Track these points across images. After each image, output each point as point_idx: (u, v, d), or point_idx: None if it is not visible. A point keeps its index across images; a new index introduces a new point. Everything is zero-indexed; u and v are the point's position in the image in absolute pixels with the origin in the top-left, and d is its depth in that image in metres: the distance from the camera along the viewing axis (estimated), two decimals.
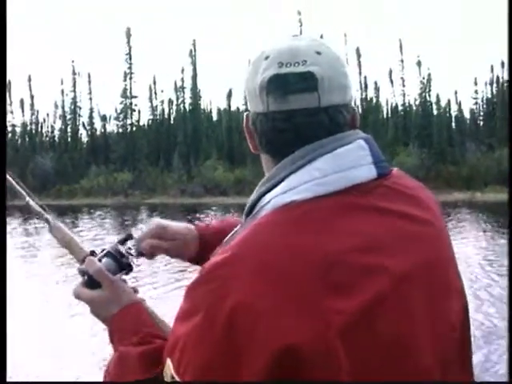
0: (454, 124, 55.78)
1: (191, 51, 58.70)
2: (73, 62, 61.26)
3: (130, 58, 58.57)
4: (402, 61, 55.22)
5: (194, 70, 58.63)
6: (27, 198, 1.44)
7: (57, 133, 62.19)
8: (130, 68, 58.41)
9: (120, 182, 51.56)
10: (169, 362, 0.97)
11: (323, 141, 1.05)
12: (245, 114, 1.15)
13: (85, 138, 61.80)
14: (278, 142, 1.07)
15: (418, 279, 1.01)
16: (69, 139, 60.64)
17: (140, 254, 1.37)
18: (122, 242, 1.36)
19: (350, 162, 1.03)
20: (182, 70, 58.90)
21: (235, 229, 1.14)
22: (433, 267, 1.05)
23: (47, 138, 62.68)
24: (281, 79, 1.04)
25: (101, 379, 1.21)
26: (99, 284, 1.26)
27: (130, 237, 1.37)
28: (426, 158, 47.00)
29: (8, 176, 1.47)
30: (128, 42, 58.29)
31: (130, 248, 1.36)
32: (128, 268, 1.32)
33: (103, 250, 1.33)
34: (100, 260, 1.30)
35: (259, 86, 1.06)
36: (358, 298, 0.92)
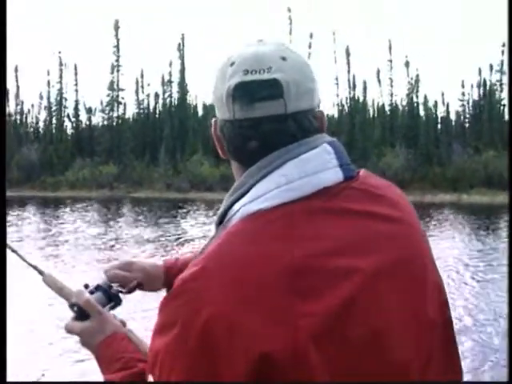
0: (440, 126, 55.90)
1: (179, 45, 58.30)
2: (59, 53, 60.67)
3: (118, 51, 58.14)
4: (391, 61, 55.22)
5: (182, 63, 58.23)
6: (20, 253, 1.50)
7: (41, 124, 61.79)
8: (117, 61, 57.94)
9: (105, 174, 51.31)
10: (150, 378, 1.00)
11: (289, 147, 1.05)
12: (213, 120, 1.15)
13: (70, 130, 61.41)
14: (245, 150, 1.08)
15: (391, 277, 1.01)
16: (54, 131, 60.12)
17: (120, 288, 1.47)
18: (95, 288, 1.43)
19: (315, 166, 1.04)
20: (170, 64, 58.57)
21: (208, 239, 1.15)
22: (407, 264, 1.05)
23: (32, 129, 62.09)
24: (246, 87, 1.04)
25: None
26: (88, 315, 1.32)
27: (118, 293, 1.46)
28: (412, 159, 47.12)
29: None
30: (116, 35, 57.85)
31: (119, 289, 1.46)
32: (116, 300, 1.41)
33: (97, 285, 1.42)
34: (92, 293, 1.38)
35: (225, 94, 1.06)
36: (327, 301, 0.94)
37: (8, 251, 1.57)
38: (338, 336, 0.94)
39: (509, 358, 5.74)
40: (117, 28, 57.75)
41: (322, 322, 0.93)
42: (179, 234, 22.34)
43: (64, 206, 36.98)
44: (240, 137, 1.08)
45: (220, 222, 1.10)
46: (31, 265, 1.47)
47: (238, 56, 1.09)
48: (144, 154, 54.39)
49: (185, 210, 33.33)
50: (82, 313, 1.33)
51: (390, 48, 55.22)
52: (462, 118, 56.53)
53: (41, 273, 1.48)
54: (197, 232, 22.42)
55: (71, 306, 1.36)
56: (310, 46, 54.16)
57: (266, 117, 1.04)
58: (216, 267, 0.96)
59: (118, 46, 58.00)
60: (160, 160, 52.51)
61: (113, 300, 1.41)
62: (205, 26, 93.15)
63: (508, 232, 16.78)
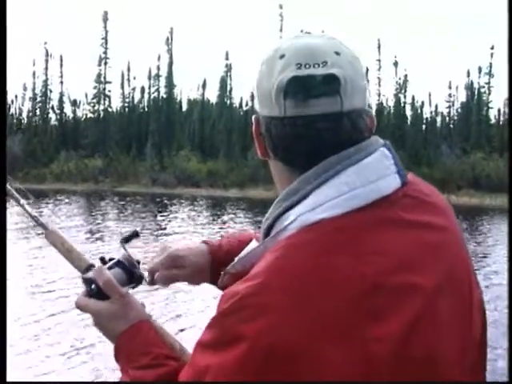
0: (427, 126, 56.02)
1: (168, 39, 57.81)
2: (45, 43, 59.93)
3: (106, 43, 57.56)
4: (379, 60, 55.18)
5: (171, 57, 57.75)
6: (22, 201, 1.35)
7: (25, 115, 60.98)
8: (105, 53, 57.38)
9: (91, 168, 50.91)
10: None
11: (349, 151, 1.00)
12: (253, 117, 1.09)
13: (54, 122, 60.65)
14: (297, 150, 1.02)
15: (445, 293, 0.99)
16: (38, 122, 59.37)
17: (152, 284, 1.32)
18: (127, 240, 1.28)
19: (376, 172, 1.00)
20: (159, 58, 58.01)
21: (251, 245, 1.12)
22: (457, 278, 1.03)
23: (15, 121, 61.28)
24: (301, 82, 0.98)
25: None
26: (107, 295, 1.19)
27: (135, 234, 1.30)
28: (400, 159, 46.81)
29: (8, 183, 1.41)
30: (105, 27, 57.29)
31: (138, 262, 1.27)
32: (138, 281, 1.26)
33: (112, 259, 1.25)
34: (110, 269, 1.22)
35: (276, 89, 1.00)
36: (395, 322, 0.91)
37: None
38: (403, 357, 0.91)
39: (509, 357, 5.69)
40: (105, 20, 57.24)
41: (391, 345, 0.90)
42: (157, 229, 22.35)
43: (48, 198, 36.69)
44: (291, 136, 1.01)
45: (268, 229, 1.03)
46: (32, 215, 1.31)
47: (288, 48, 1.03)
48: (130, 148, 53.95)
49: (173, 207, 33.16)
50: (100, 292, 1.19)
51: (379, 47, 55.29)
52: (447, 119, 56.76)
53: (43, 226, 1.32)
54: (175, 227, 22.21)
55: (87, 281, 1.21)
56: None
57: (321, 115, 0.99)
58: (279, 282, 0.91)
59: (106, 38, 57.49)
60: (146, 154, 52.16)
61: (134, 280, 1.25)
62: (194, 20, 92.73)
63: (508, 232, 16.66)
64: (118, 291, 1.20)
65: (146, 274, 1.30)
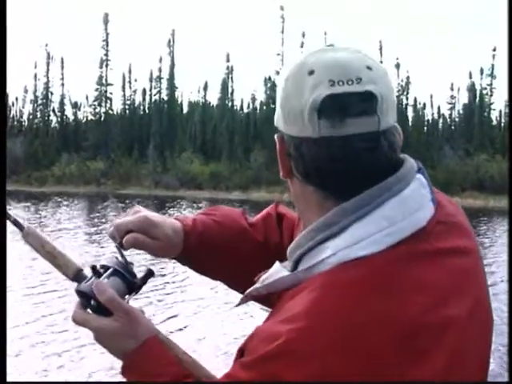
0: (430, 128, 55.98)
1: (169, 41, 57.73)
2: (46, 46, 59.95)
3: (107, 45, 57.59)
4: (381, 62, 54.67)
5: (172, 60, 57.69)
6: None
7: (26, 118, 60.91)
8: (106, 55, 57.42)
9: (92, 170, 50.86)
10: None
11: (388, 182, 0.97)
12: (276, 135, 1.04)
13: (54, 125, 60.59)
14: (333, 173, 0.96)
15: (474, 319, 0.98)
16: (39, 125, 59.27)
17: (120, 244, 1.20)
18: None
19: (415, 204, 0.97)
20: (160, 60, 57.96)
21: (277, 269, 1.04)
22: (483, 298, 1.03)
23: (16, 123, 61.24)
24: (337, 100, 0.93)
25: None
26: (109, 312, 1.11)
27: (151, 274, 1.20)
28: None
29: None
30: (106, 29, 57.24)
31: (131, 263, 1.18)
32: (137, 290, 1.16)
33: (104, 267, 1.15)
34: (107, 278, 1.14)
35: (309, 108, 0.94)
36: (438, 361, 0.91)
37: None
38: None
39: (509, 357, 5.80)
40: (106, 22, 57.26)
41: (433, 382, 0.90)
42: None
43: (50, 201, 36.68)
44: (327, 158, 0.95)
45: (299, 259, 0.99)
46: (7, 215, 1.22)
47: (316, 63, 0.97)
48: (132, 151, 53.93)
49: (175, 210, 33.14)
50: (100, 307, 1.10)
51: (381, 49, 55.24)
52: (449, 120, 56.68)
53: (19, 226, 1.22)
54: None
55: (82, 294, 1.12)
56: (301, 45, 54.05)
57: (358, 135, 0.93)
58: (323, 327, 0.89)
59: (107, 40, 57.54)
60: (149, 157, 52.07)
61: (133, 289, 1.15)
62: (196, 22, 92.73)
63: (508, 232, 16.53)
64: (122, 309, 1.12)
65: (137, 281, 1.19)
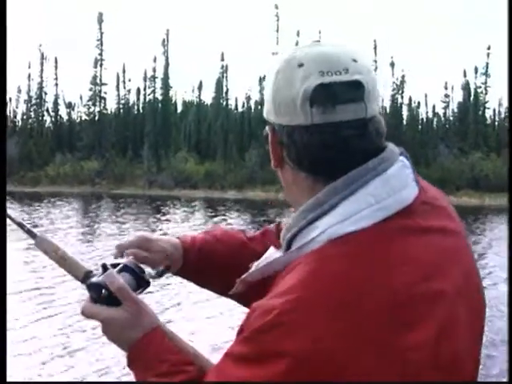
0: (424, 127, 56.05)
1: (164, 40, 57.52)
2: (40, 46, 59.64)
3: (102, 45, 57.29)
4: (376, 61, 55.03)
5: (167, 59, 57.42)
6: (8, 211, 1.36)
7: (19, 118, 60.52)
8: (100, 54, 57.13)
9: (87, 170, 50.68)
10: None
11: (373, 161, 1.02)
12: (267, 127, 1.09)
13: (48, 125, 60.33)
14: (324, 158, 1.02)
15: (463, 295, 1.03)
16: (33, 125, 58.94)
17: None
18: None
19: (399, 183, 1.02)
20: (155, 59, 57.67)
21: (271, 253, 1.11)
22: (471, 279, 1.08)
23: (10, 123, 60.98)
24: (327, 89, 0.99)
25: None
26: (117, 302, 1.16)
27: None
28: None
29: None
30: (100, 28, 56.97)
31: (150, 271, 1.31)
32: (146, 286, 1.24)
33: (117, 264, 1.22)
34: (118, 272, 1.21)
35: (301, 97, 1.00)
36: (426, 330, 0.95)
37: None
38: (433, 363, 0.95)
39: (509, 357, 5.72)
40: (100, 21, 56.98)
41: (425, 352, 0.94)
42: (152, 231, 22.34)
43: (43, 201, 36.55)
44: (319, 144, 1.00)
45: (291, 239, 1.04)
46: (18, 223, 1.30)
47: (305, 57, 1.03)
48: (126, 150, 53.74)
49: (168, 208, 33.05)
50: (110, 297, 1.15)
51: (375, 48, 55.19)
52: (443, 119, 56.74)
53: (32, 235, 1.29)
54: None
55: (96, 286, 1.16)
56: (296, 44, 53.06)
57: (347, 121, 0.99)
58: (316, 297, 0.92)
59: (101, 40, 57.24)
60: (143, 156, 51.91)
61: (142, 284, 1.22)
62: (190, 21, 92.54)
63: (508, 232, 16.53)
64: (132, 298, 1.17)
65: (153, 274, 1.33)
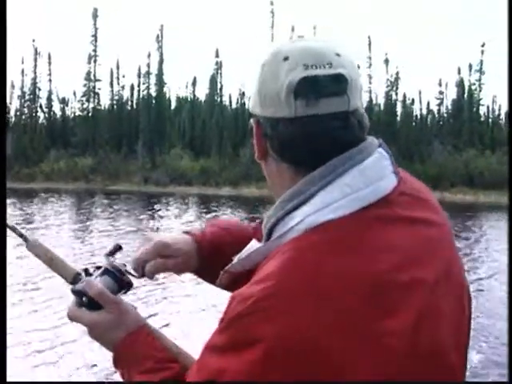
0: (419, 123, 56.06)
1: (158, 36, 57.32)
2: (33, 41, 59.34)
3: (96, 40, 57.01)
4: (370, 58, 55.02)
5: (161, 55, 57.21)
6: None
7: (13, 114, 59.95)
8: (95, 50, 56.90)
9: (81, 167, 50.48)
10: None
11: (351, 152, 1.03)
12: (252, 119, 1.11)
13: (42, 121, 59.93)
14: (307, 150, 1.03)
15: (444, 284, 1.04)
16: (27, 121, 58.51)
17: (142, 276, 1.31)
18: (111, 253, 1.29)
19: (377, 173, 1.04)
20: (149, 55, 57.43)
21: (252, 244, 1.13)
22: (452, 271, 1.08)
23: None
24: (311, 82, 1.01)
25: None
26: (100, 305, 1.19)
27: (118, 248, 1.30)
28: (393, 156, 46.88)
29: None
30: (94, 24, 56.73)
31: (124, 264, 1.28)
32: (128, 287, 1.26)
33: (98, 268, 1.25)
34: (99, 277, 1.23)
35: (286, 89, 1.02)
36: (407, 317, 0.95)
37: None
38: (412, 350, 0.95)
39: (509, 357, 5.79)
40: (95, 17, 56.75)
41: (404, 338, 0.94)
42: (146, 228, 22.50)
43: (37, 198, 36.49)
44: (302, 136, 1.02)
45: (271, 229, 1.05)
46: (11, 226, 1.30)
47: (290, 51, 1.05)
48: (120, 147, 53.55)
49: (163, 205, 33.03)
50: (92, 302, 1.19)
51: (370, 44, 55.14)
52: (438, 116, 56.79)
53: (24, 238, 1.30)
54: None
55: (77, 292, 1.20)
56: None
57: (330, 114, 1.01)
58: (293, 284, 0.93)
59: (95, 36, 56.98)
60: (138, 153, 51.74)
61: (123, 286, 1.24)
62: (184, 17, 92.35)
63: (508, 232, 16.57)
64: (111, 301, 1.19)
65: (135, 275, 1.29)
